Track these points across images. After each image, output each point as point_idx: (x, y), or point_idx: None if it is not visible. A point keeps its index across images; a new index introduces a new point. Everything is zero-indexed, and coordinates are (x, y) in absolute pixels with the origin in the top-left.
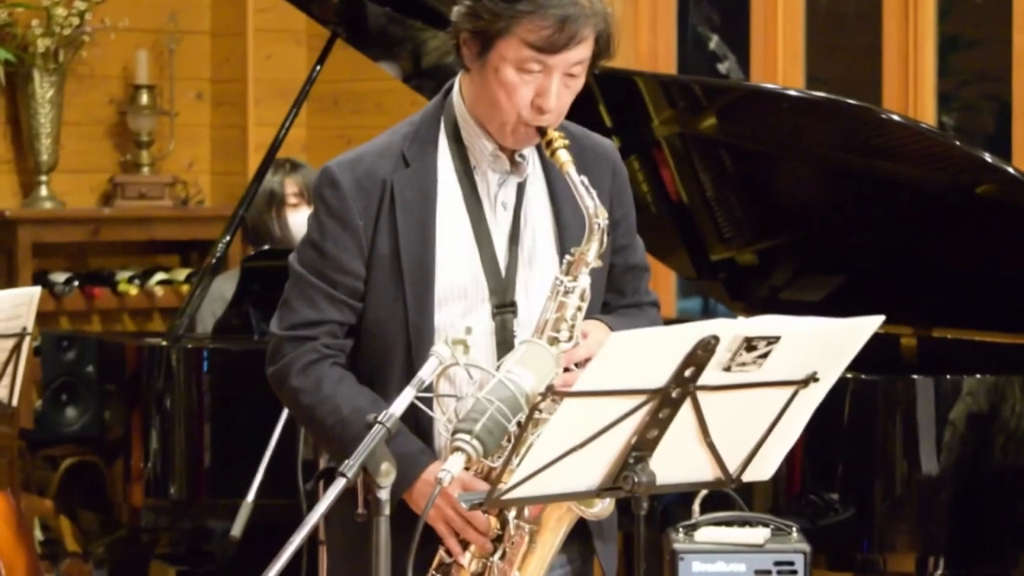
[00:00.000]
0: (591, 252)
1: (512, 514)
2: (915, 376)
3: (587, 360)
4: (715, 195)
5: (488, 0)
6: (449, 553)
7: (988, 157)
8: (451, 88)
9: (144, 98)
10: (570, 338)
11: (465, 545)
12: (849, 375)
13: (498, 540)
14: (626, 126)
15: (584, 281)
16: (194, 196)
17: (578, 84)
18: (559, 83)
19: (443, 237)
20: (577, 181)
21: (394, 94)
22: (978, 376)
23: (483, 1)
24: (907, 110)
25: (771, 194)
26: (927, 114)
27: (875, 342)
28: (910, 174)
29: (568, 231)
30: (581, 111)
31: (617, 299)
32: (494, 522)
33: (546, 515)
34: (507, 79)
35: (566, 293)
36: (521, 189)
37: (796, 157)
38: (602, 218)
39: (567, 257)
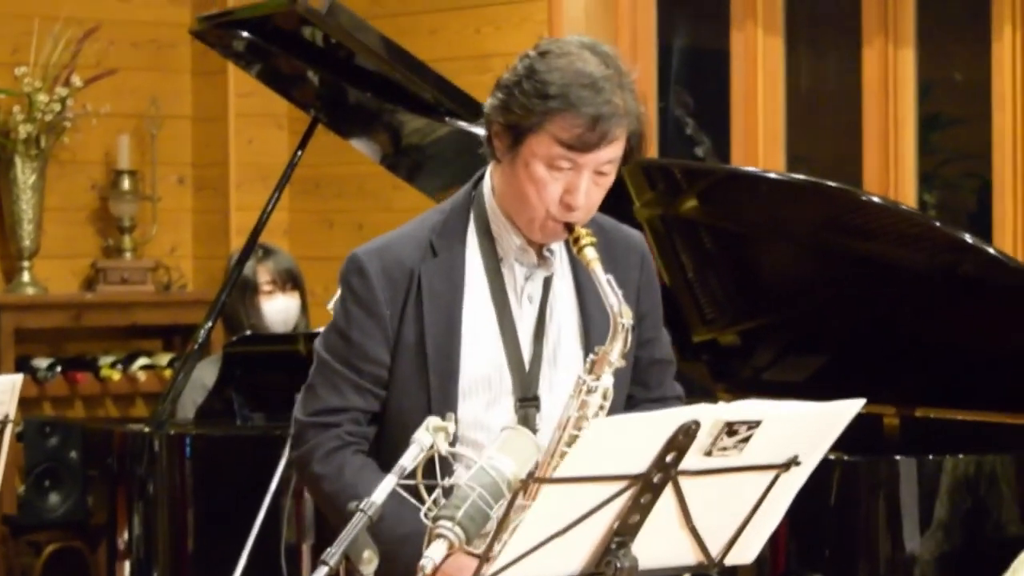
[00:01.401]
0: (615, 352)
1: None
2: (897, 457)
3: None
4: (696, 277)
5: (521, 95)
6: None
7: (968, 237)
8: (482, 177)
9: (126, 183)
10: None
11: None
12: (832, 456)
13: None
14: (607, 209)
15: (607, 380)
16: (176, 281)
17: (608, 181)
18: (589, 181)
19: (469, 329)
20: (603, 279)
21: (376, 177)
22: (961, 456)
23: (516, 95)
24: (888, 189)
25: (753, 275)
26: (908, 192)
27: (858, 422)
28: (892, 254)
29: (594, 327)
30: None
31: (642, 392)
32: None
33: None
34: (537, 175)
35: (589, 392)
36: (548, 283)
37: (777, 238)
38: (627, 318)
39: (591, 356)
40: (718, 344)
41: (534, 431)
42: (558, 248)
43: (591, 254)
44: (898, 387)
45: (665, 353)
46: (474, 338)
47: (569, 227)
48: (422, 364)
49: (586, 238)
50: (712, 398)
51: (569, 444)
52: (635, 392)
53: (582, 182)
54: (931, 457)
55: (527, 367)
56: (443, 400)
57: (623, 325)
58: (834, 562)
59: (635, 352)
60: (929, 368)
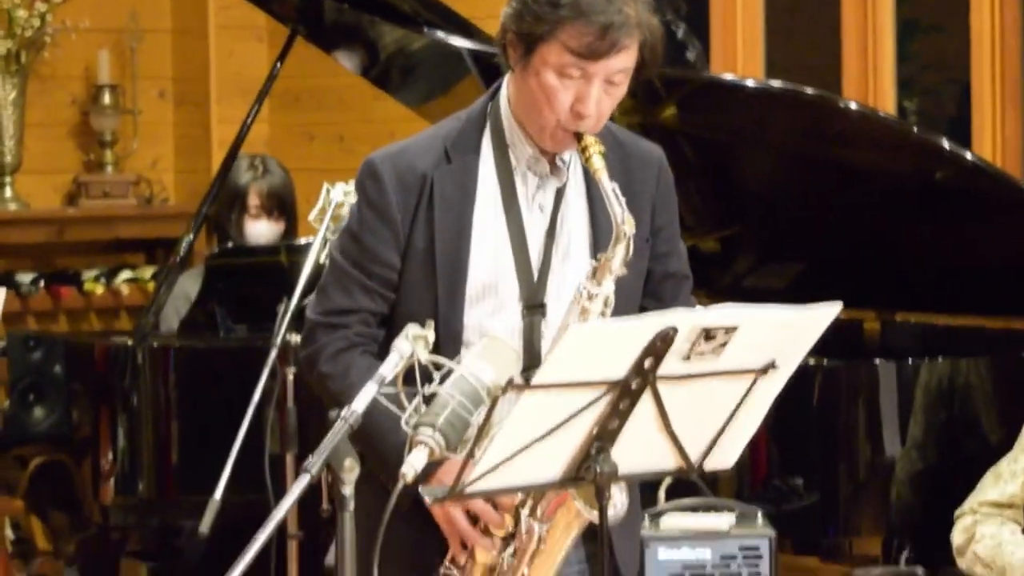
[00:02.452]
0: (617, 259)
1: (525, 512)
2: (877, 361)
3: None
4: (676, 184)
5: (533, 3)
6: (465, 545)
7: (946, 144)
8: (499, 87)
9: (107, 98)
10: None
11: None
12: (812, 361)
13: (511, 537)
14: None
15: (608, 288)
16: (158, 194)
17: (620, 92)
18: (599, 90)
19: (478, 235)
20: (608, 188)
21: (355, 89)
22: (940, 359)
23: (529, 4)
24: (867, 96)
25: (732, 182)
26: (887, 99)
27: (838, 327)
28: (870, 161)
29: (603, 236)
30: None
31: (655, 306)
32: (508, 519)
33: (557, 517)
34: (548, 83)
35: (589, 298)
36: (559, 193)
37: (756, 146)
38: (629, 226)
39: (592, 263)
40: (698, 251)
41: (539, 338)
42: (572, 159)
43: (598, 163)
44: (878, 292)
45: (680, 268)
46: (483, 244)
47: (578, 136)
48: (431, 269)
49: (594, 147)
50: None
51: None
52: (648, 305)
53: (592, 91)
54: (910, 361)
55: (535, 275)
56: (450, 305)
57: (625, 233)
58: (814, 466)
59: (649, 265)
60: (908, 273)
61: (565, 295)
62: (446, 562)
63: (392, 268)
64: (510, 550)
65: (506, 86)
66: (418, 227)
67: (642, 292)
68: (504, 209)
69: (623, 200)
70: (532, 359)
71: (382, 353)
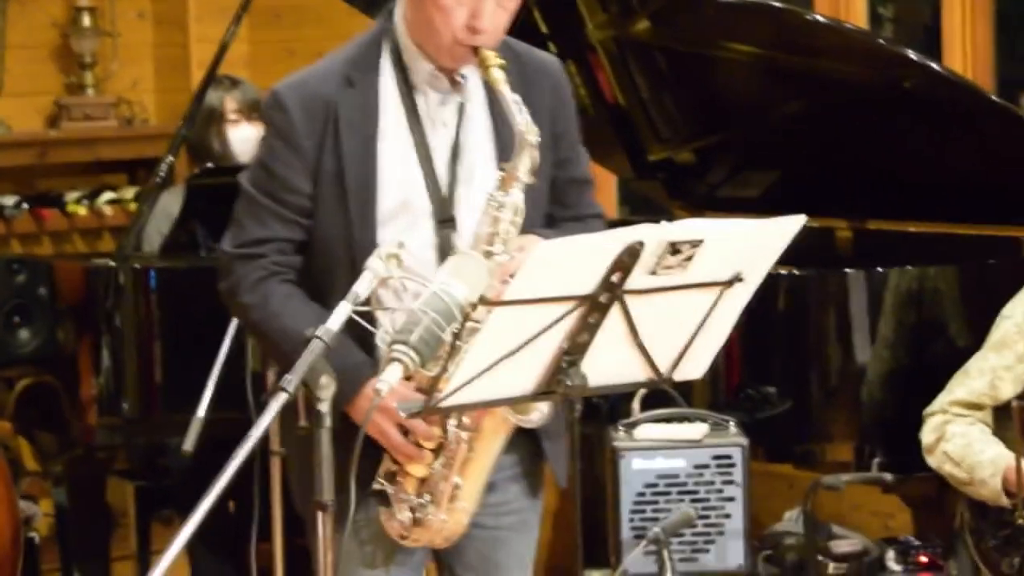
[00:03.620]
0: (522, 167)
1: (452, 423)
2: (847, 270)
3: None
4: (651, 96)
5: None
6: (395, 461)
7: (911, 54)
8: (392, 10)
9: (86, 20)
10: (505, 251)
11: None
12: (783, 271)
13: (439, 448)
14: (561, 32)
15: (517, 196)
16: (139, 115)
17: (513, 4)
18: (492, 3)
19: (385, 156)
20: (509, 99)
21: (335, 6)
22: (908, 268)
23: None
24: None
25: (706, 94)
26: (859, 5)
27: (811, 236)
28: (840, 71)
29: (507, 148)
30: (516, 19)
31: (560, 211)
32: (436, 430)
33: (484, 424)
34: (442, 2)
35: (499, 208)
36: (461, 108)
37: (728, 57)
38: (532, 135)
39: (499, 173)
40: (673, 162)
41: (452, 251)
42: (471, 74)
43: (497, 74)
44: (849, 201)
45: (582, 172)
46: (391, 164)
47: (476, 51)
48: (342, 192)
49: (492, 59)
50: (668, 215)
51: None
52: (554, 211)
53: (486, 6)
54: (879, 269)
55: (444, 190)
56: (363, 226)
57: (528, 141)
58: (786, 375)
59: (552, 171)
60: (880, 182)
61: (474, 207)
62: (378, 477)
63: (304, 195)
64: (440, 460)
65: (400, 6)
66: (326, 153)
67: (549, 199)
68: (408, 128)
69: (525, 110)
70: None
71: (301, 280)
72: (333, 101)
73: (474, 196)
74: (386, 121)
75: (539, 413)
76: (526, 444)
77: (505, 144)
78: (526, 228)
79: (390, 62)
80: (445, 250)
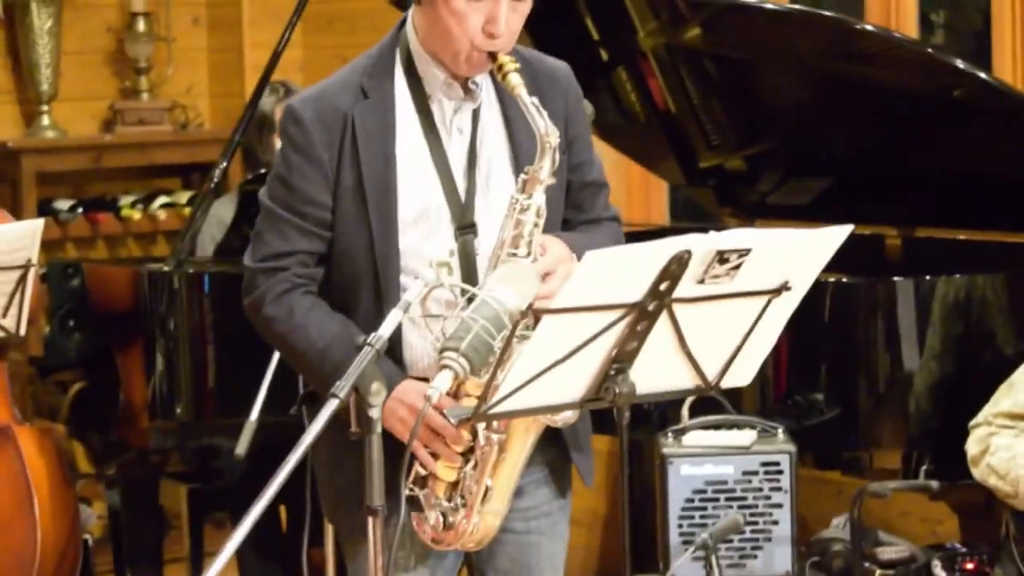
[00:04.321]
0: (544, 170)
1: (481, 425)
2: (895, 278)
3: (547, 274)
4: (702, 103)
5: None
6: (424, 466)
7: (959, 63)
8: (404, 21)
9: (141, 25)
10: (528, 253)
11: (435, 458)
12: (831, 278)
13: (469, 451)
14: (612, 39)
15: (539, 198)
16: (193, 120)
17: (526, 7)
18: (507, 8)
19: (403, 165)
20: (528, 102)
21: (387, 13)
22: (957, 276)
23: None
24: (890, 8)
25: (757, 101)
26: (910, 12)
27: (861, 243)
28: (890, 79)
29: (523, 152)
30: (568, 26)
31: (577, 215)
32: (466, 435)
33: (514, 425)
34: (457, 8)
35: (522, 211)
36: (476, 115)
37: (779, 65)
38: (553, 137)
39: (522, 176)
40: (724, 169)
41: (474, 256)
42: (484, 81)
43: (515, 79)
44: (898, 209)
45: (596, 176)
46: (409, 173)
47: (492, 56)
48: (362, 203)
49: (510, 64)
50: (719, 223)
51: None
52: (570, 215)
53: (501, 10)
54: (927, 277)
55: (462, 197)
56: (384, 236)
57: (550, 144)
58: (834, 382)
59: (567, 176)
60: (928, 190)
61: (494, 212)
62: (409, 483)
63: (324, 207)
64: (471, 463)
65: (411, 18)
66: (344, 165)
67: (564, 204)
68: (424, 137)
69: (544, 113)
70: (469, 277)
71: (323, 291)
72: (349, 113)
73: (493, 201)
74: (402, 131)
75: (567, 413)
76: (552, 447)
77: (520, 149)
78: (544, 232)
79: (403, 73)
80: (467, 256)
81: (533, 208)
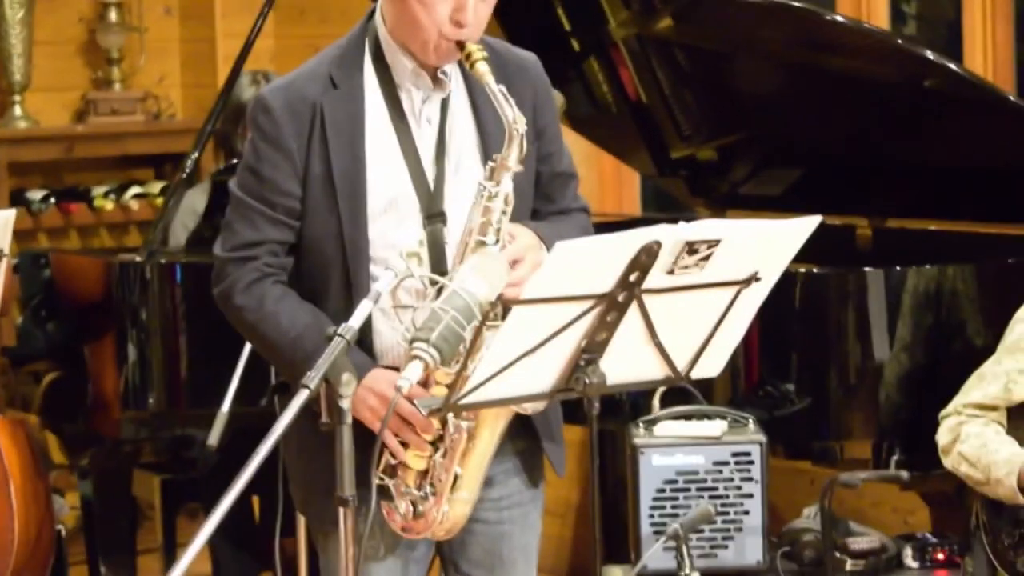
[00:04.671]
0: (512, 157)
1: (450, 414)
2: (866, 268)
3: (515, 262)
4: (673, 94)
5: None
6: (394, 455)
7: (929, 54)
8: (373, 12)
9: (113, 15)
10: (496, 241)
11: (405, 445)
12: (802, 269)
13: (439, 439)
14: (584, 29)
15: (507, 186)
16: (165, 110)
17: None
18: None
19: (372, 154)
20: (496, 90)
21: (358, 3)
22: (927, 266)
23: None
24: None
25: (728, 91)
26: (880, 2)
27: (832, 234)
28: (860, 70)
29: (491, 140)
30: (539, 15)
31: (546, 206)
32: (435, 423)
33: (483, 413)
34: None
35: (490, 198)
36: (445, 104)
37: (750, 56)
38: (521, 124)
39: (489, 163)
40: (696, 160)
41: (443, 244)
42: (452, 70)
43: (483, 68)
44: (870, 199)
45: (566, 166)
46: (378, 163)
47: (460, 45)
48: (331, 192)
49: (477, 53)
50: (691, 214)
51: (475, 250)
52: (539, 206)
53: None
54: (897, 268)
55: (431, 185)
56: (354, 225)
57: (517, 131)
58: (805, 372)
59: (537, 167)
60: (899, 181)
61: (462, 201)
62: (379, 472)
63: (294, 197)
64: (440, 452)
65: (380, 8)
66: (313, 154)
67: (534, 194)
68: (393, 126)
69: (512, 101)
70: (438, 265)
71: (292, 282)
72: (318, 103)
73: (461, 190)
74: (371, 120)
75: (532, 405)
76: (524, 437)
77: (489, 138)
78: (513, 222)
79: (372, 63)
80: (436, 245)
81: (501, 195)
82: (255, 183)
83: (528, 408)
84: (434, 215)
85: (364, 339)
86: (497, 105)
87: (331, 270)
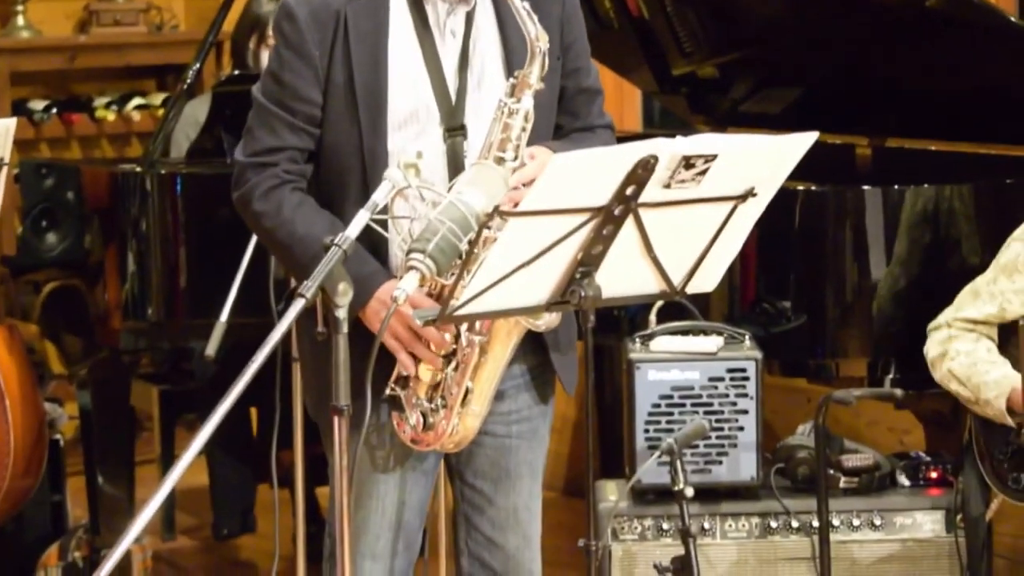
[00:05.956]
0: (533, 74)
1: (464, 328)
2: (864, 187)
3: (533, 180)
4: (675, 10)
5: None
6: (405, 368)
7: None
8: None
9: None
10: (516, 158)
11: (417, 360)
12: (800, 186)
13: (452, 353)
14: None
15: (528, 103)
16: (168, 21)
17: None
18: None
19: (395, 65)
20: (519, 6)
21: None
22: (925, 185)
23: None
24: None
25: (730, 9)
26: None
27: (831, 152)
28: None
29: (516, 56)
30: None
31: (570, 122)
32: (448, 337)
33: (496, 327)
34: None
35: (511, 114)
36: (470, 17)
37: None
38: (544, 42)
39: (511, 80)
40: (697, 77)
41: (462, 158)
42: None
43: None
44: (869, 119)
45: (592, 83)
46: (401, 73)
47: None
48: (352, 101)
49: None
50: (691, 131)
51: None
52: (563, 121)
53: None
54: (896, 187)
55: (453, 98)
56: (373, 135)
57: (540, 48)
58: (802, 290)
59: (562, 82)
60: (900, 100)
61: (483, 115)
62: (390, 383)
63: (315, 104)
64: (452, 365)
65: None
66: (336, 63)
67: (557, 109)
68: (417, 37)
69: (535, 17)
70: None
71: (312, 189)
72: (343, 11)
73: (483, 105)
74: (396, 31)
75: (548, 316)
76: (535, 353)
77: (513, 54)
78: (535, 139)
79: None
80: (455, 158)
81: (521, 112)
82: (277, 90)
83: (541, 324)
84: (454, 128)
85: (378, 253)
86: (520, 21)
87: (349, 179)
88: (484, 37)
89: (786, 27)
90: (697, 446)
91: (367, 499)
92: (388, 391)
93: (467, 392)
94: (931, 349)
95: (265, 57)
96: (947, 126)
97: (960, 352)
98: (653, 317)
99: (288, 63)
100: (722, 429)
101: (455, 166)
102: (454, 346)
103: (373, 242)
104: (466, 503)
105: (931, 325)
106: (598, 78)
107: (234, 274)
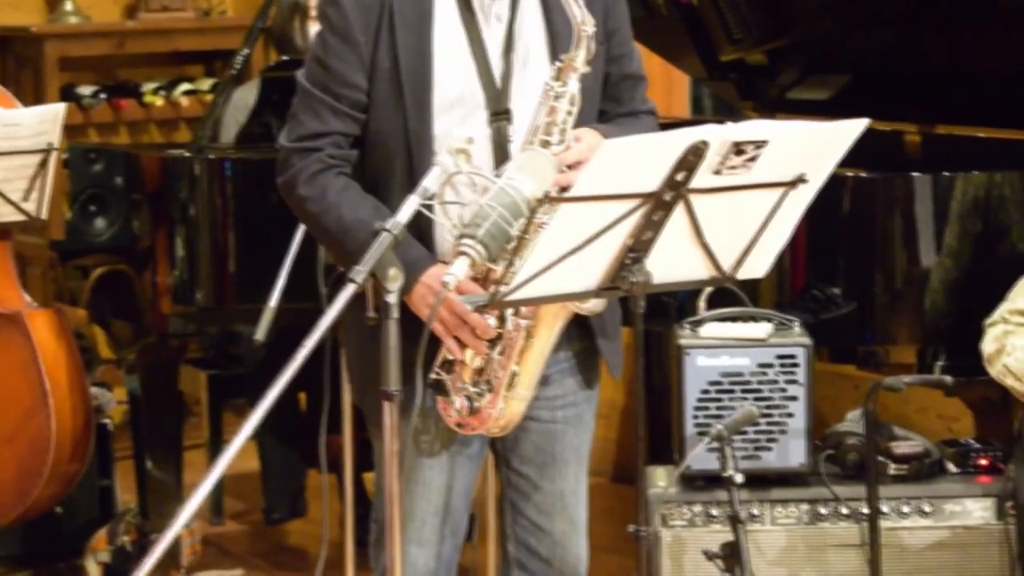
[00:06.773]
0: (579, 58)
1: (510, 312)
2: (914, 174)
3: (578, 163)
4: None
5: None
6: (451, 352)
7: None
8: None
9: None
10: (561, 141)
11: (462, 344)
12: (850, 173)
13: (497, 337)
14: None
15: (573, 86)
16: (216, 7)
17: None
18: None
19: (440, 49)
20: None
21: None
22: (975, 172)
23: None
24: None
25: None
26: None
27: (881, 139)
28: None
29: (560, 40)
30: None
31: (614, 107)
32: (493, 322)
33: (542, 311)
34: None
35: (556, 98)
36: (515, 2)
37: None
38: (589, 25)
39: (556, 64)
40: (745, 63)
41: (507, 142)
42: None
43: None
44: (919, 105)
45: (636, 69)
46: (446, 58)
47: None
48: (397, 87)
49: None
50: (740, 117)
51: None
52: (607, 107)
53: None
54: (946, 174)
55: (498, 82)
56: (419, 120)
57: (585, 32)
58: (851, 276)
59: (606, 68)
60: (950, 87)
61: (528, 99)
62: (436, 367)
63: (360, 90)
64: (498, 349)
65: None
66: (381, 48)
67: (601, 95)
68: (462, 22)
69: (581, 1)
70: (502, 162)
71: (356, 174)
72: None
73: (528, 89)
74: (440, 15)
75: (594, 301)
76: (581, 338)
77: (558, 38)
78: (580, 124)
79: None
80: (500, 142)
81: (567, 96)
82: (322, 74)
83: (586, 308)
84: (499, 112)
85: (424, 239)
86: (565, 5)
87: (395, 164)
88: (529, 21)
89: (834, 13)
90: (746, 432)
91: (413, 484)
92: (433, 375)
93: (513, 376)
94: (987, 345)
95: (313, 31)
96: (997, 112)
97: (1016, 347)
98: (702, 303)
99: (333, 48)
100: (771, 415)
101: (500, 150)
102: (500, 331)
103: (418, 227)
104: (512, 489)
105: (987, 320)
106: (641, 64)
107: (282, 259)
